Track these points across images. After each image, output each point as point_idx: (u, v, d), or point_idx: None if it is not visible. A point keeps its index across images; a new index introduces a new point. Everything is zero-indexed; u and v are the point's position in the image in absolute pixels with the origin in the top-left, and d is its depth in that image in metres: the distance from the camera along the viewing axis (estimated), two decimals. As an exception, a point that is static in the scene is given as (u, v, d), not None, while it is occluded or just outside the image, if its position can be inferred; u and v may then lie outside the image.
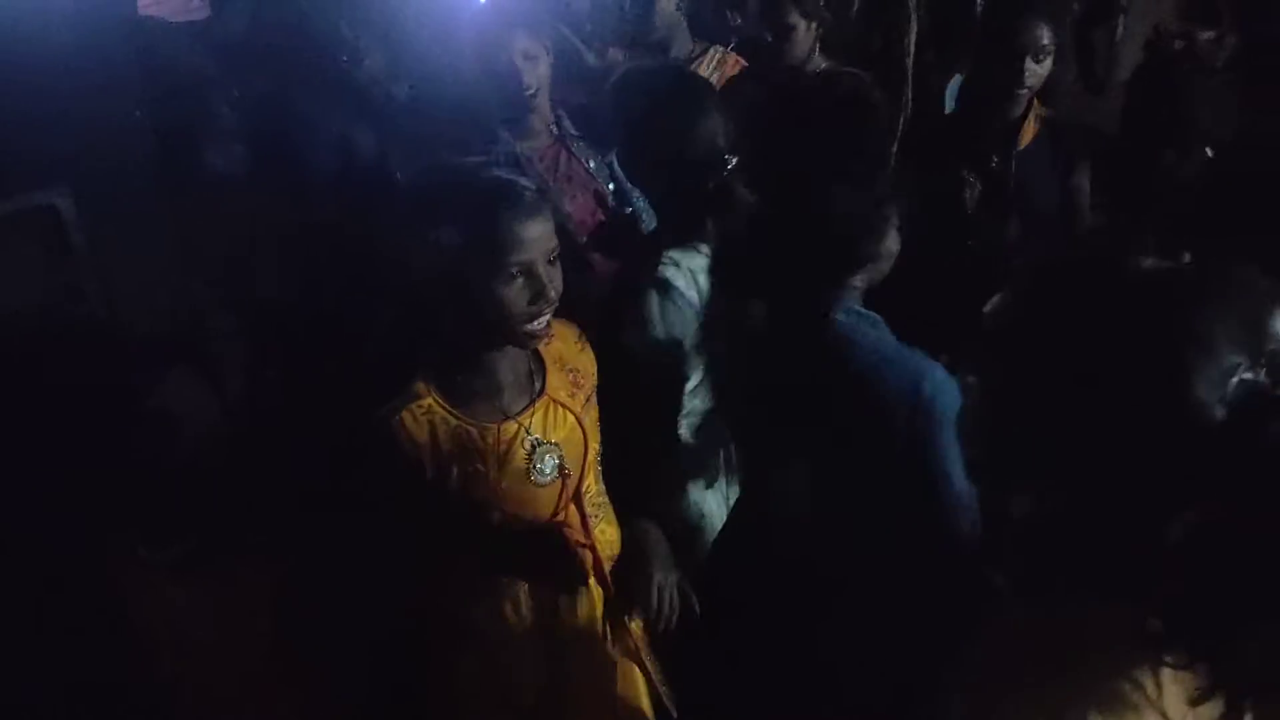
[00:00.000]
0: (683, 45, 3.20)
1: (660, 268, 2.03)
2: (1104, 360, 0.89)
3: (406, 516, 1.76)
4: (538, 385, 1.83)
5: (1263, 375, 0.85)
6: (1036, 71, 2.49)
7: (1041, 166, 2.62)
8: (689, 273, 2.04)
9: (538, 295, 1.65)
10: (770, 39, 2.97)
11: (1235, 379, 0.85)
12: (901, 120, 2.72)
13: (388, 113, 2.88)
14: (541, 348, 1.83)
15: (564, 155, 2.69)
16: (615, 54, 3.45)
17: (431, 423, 1.73)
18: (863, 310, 1.72)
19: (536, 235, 1.64)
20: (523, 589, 1.83)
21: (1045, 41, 2.45)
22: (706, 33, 3.28)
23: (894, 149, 2.25)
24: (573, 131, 2.70)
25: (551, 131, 2.68)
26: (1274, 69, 2.98)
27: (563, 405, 1.84)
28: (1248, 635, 0.84)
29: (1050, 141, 2.64)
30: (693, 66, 3.11)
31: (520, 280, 1.64)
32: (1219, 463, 0.84)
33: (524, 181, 1.70)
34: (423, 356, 1.77)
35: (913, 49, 1.71)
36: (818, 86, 2.42)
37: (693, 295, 2.04)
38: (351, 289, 2.26)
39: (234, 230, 2.43)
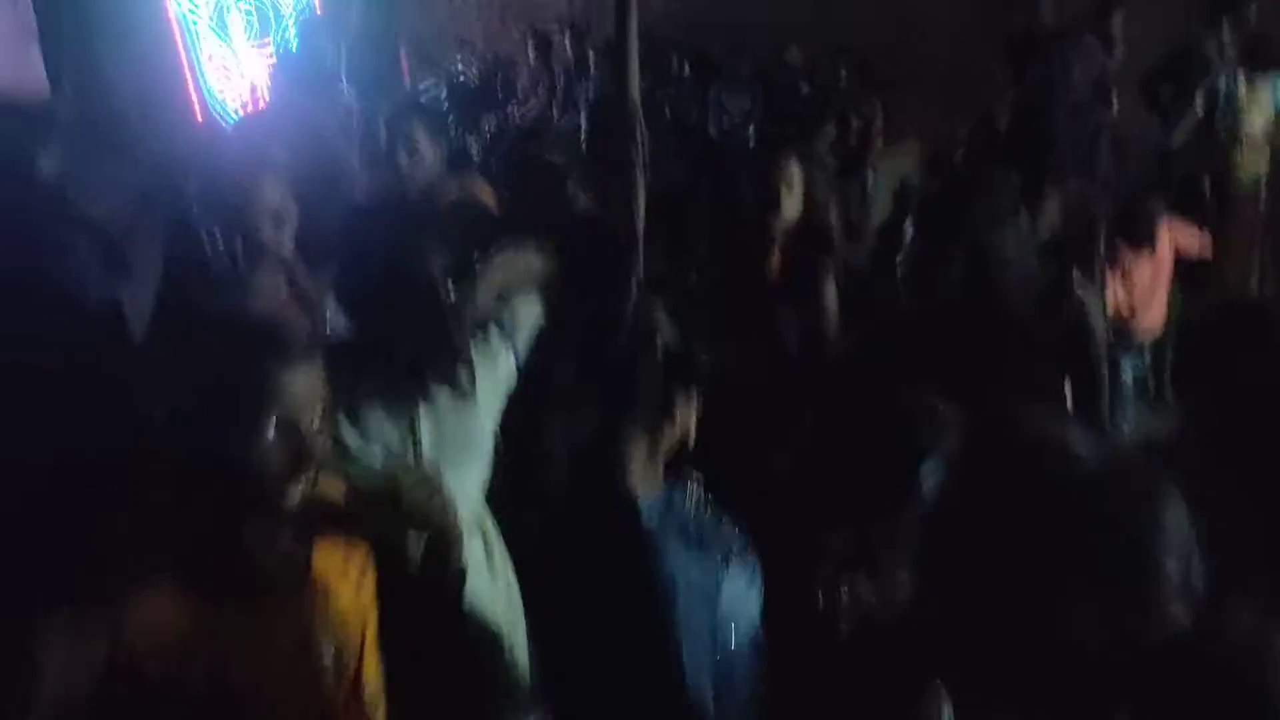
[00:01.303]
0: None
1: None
2: None
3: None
4: (302, 568, 1.53)
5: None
6: (791, 203, 2.67)
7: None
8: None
9: (299, 456, 1.40)
10: (403, 161, 3.11)
11: None
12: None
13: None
14: (309, 521, 1.54)
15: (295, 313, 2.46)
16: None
17: (171, 617, 1.40)
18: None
19: (303, 388, 1.41)
20: None
21: (794, 175, 2.65)
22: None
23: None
24: (308, 287, 2.49)
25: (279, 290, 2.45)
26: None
27: (332, 592, 1.55)
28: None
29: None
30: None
31: (279, 437, 1.38)
32: None
33: (295, 326, 1.52)
34: (163, 534, 1.43)
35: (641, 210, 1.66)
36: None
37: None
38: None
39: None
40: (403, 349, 1.85)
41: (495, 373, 1.99)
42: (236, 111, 7.71)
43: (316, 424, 1.43)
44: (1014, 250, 1.91)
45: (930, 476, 0.93)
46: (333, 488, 1.61)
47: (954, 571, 0.87)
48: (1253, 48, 4.42)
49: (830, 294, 2.61)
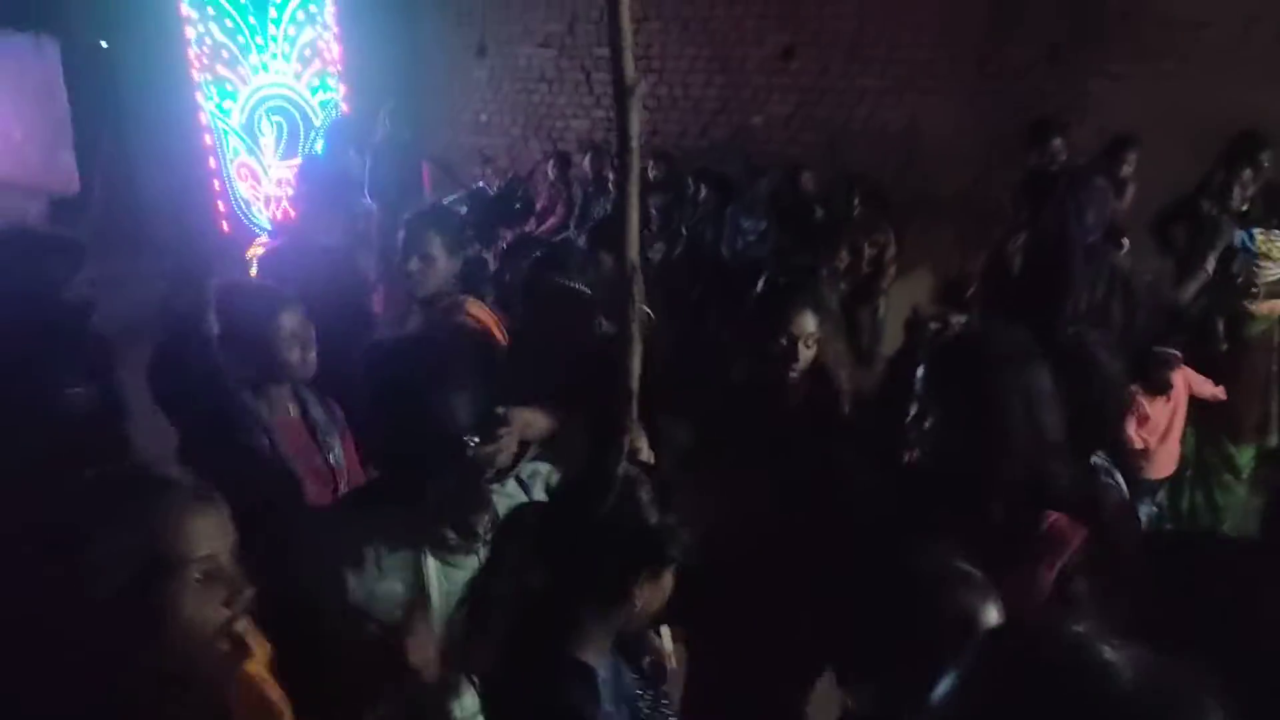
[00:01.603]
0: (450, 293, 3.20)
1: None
2: None
3: None
4: None
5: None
6: (806, 354, 2.69)
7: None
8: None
9: (232, 595, 1.34)
10: (414, 269, 3.08)
11: None
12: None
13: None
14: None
15: (301, 437, 2.44)
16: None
17: None
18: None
19: (214, 526, 1.35)
20: None
21: (812, 329, 2.67)
22: (467, 287, 3.34)
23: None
24: (318, 417, 2.49)
25: (289, 412, 2.45)
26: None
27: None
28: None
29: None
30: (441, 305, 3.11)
31: (205, 583, 1.32)
32: None
33: (182, 479, 1.40)
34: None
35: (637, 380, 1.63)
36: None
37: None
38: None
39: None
40: (425, 496, 1.82)
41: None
42: (262, 219, 7.87)
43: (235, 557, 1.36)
44: (1026, 408, 1.86)
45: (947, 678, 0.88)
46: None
47: None
48: (1272, 199, 4.47)
49: (841, 436, 2.59)
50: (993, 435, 1.84)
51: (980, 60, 6.82)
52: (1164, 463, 4.07)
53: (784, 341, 2.66)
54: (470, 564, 1.87)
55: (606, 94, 8.78)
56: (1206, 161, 4.53)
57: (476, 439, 1.81)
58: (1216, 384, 4.11)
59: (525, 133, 9.32)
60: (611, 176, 7.61)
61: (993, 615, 1.46)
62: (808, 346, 2.68)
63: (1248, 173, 4.38)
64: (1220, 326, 4.24)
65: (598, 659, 1.58)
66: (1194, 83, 5.89)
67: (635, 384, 1.60)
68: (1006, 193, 5.85)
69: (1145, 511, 4.14)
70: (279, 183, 7.97)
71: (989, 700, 0.83)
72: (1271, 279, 4.25)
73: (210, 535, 1.34)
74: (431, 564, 1.84)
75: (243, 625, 1.37)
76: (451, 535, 1.83)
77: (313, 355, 2.44)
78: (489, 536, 1.82)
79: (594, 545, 1.52)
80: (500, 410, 1.95)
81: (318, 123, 8.10)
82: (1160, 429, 3.92)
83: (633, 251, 1.59)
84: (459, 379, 1.85)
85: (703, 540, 1.61)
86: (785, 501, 2.44)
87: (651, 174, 7.69)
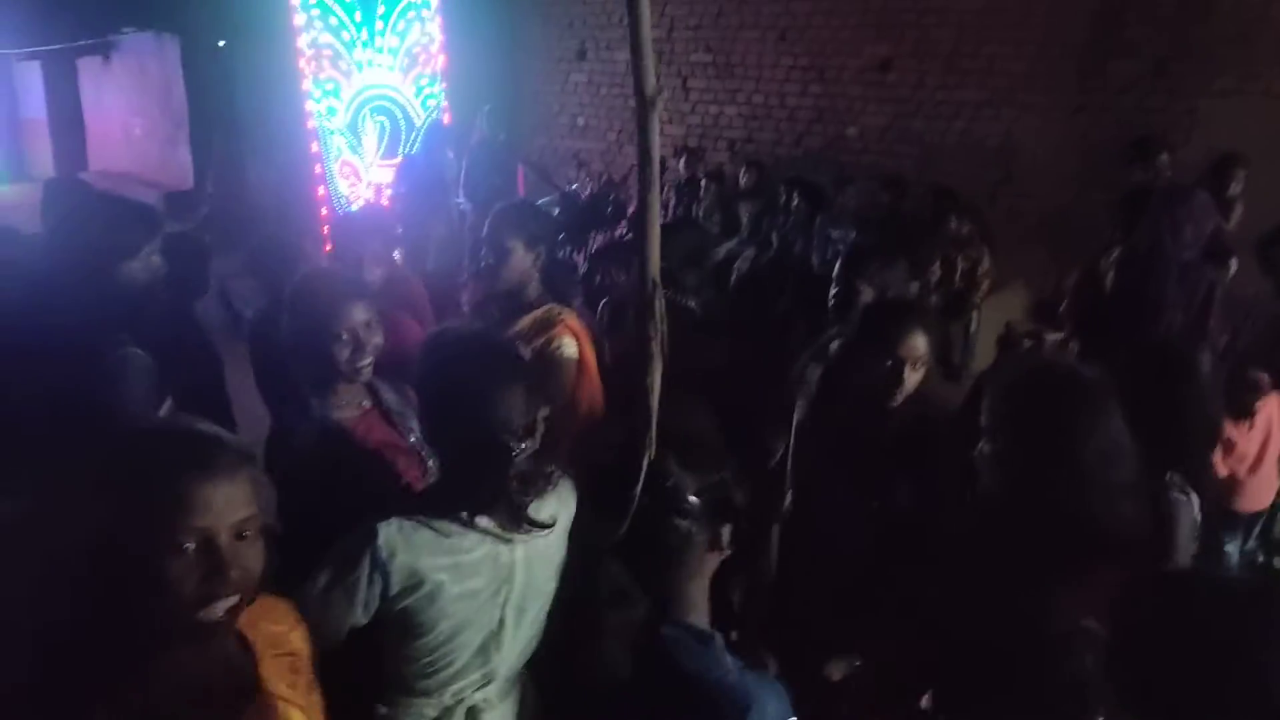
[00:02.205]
0: (533, 292, 3.21)
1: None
2: None
3: None
4: (249, 683, 1.47)
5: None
6: (913, 378, 2.55)
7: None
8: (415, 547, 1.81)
9: (213, 573, 1.32)
10: (491, 261, 3.05)
11: None
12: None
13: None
14: (251, 633, 1.49)
15: (378, 426, 2.46)
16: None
17: None
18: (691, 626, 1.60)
19: (221, 500, 1.33)
20: None
21: (922, 351, 2.52)
22: (555, 289, 3.32)
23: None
24: (391, 403, 2.54)
25: (362, 404, 2.51)
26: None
27: (285, 701, 1.51)
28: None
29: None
30: (533, 315, 3.11)
31: (192, 554, 1.31)
32: None
33: (227, 439, 1.42)
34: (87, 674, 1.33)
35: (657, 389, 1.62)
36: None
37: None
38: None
39: None
40: (478, 494, 1.84)
41: (568, 513, 1.99)
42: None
43: (235, 542, 1.34)
44: (1100, 453, 1.83)
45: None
46: (273, 603, 1.58)
47: None
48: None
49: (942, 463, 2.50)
50: (1064, 473, 1.83)
51: (1081, 75, 6.67)
52: (1257, 494, 3.93)
53: (890, 364, 2.52)
54: (546, 554, 1.91)
55: (702, 100, 8.84)
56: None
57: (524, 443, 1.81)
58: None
59: (621, 139, 9.42)
60: (703, 181, 7.66)
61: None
62: (915, 369, 2.53)
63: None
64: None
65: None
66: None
67: (655, 403, 1.60)
68: (1104, 212, 5.75)
69: (1235, 546, 4.00)
70: (374, 187, 8.18)
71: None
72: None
73: (215, 509, 1.33)
74: (519, 553, 1.86)
75: (226, 607, 1.35)
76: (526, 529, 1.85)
77: (368, 354, 2.39)
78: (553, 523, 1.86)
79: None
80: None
81: (419, 123, 8.32)
82: (1250, 457, 3.78)
83: (653, 267, 1.58)
84: (512, 376, 1.86)
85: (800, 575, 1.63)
86: (884, 539, 2.40)
87: (742, 181, 7.73)
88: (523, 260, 3.04)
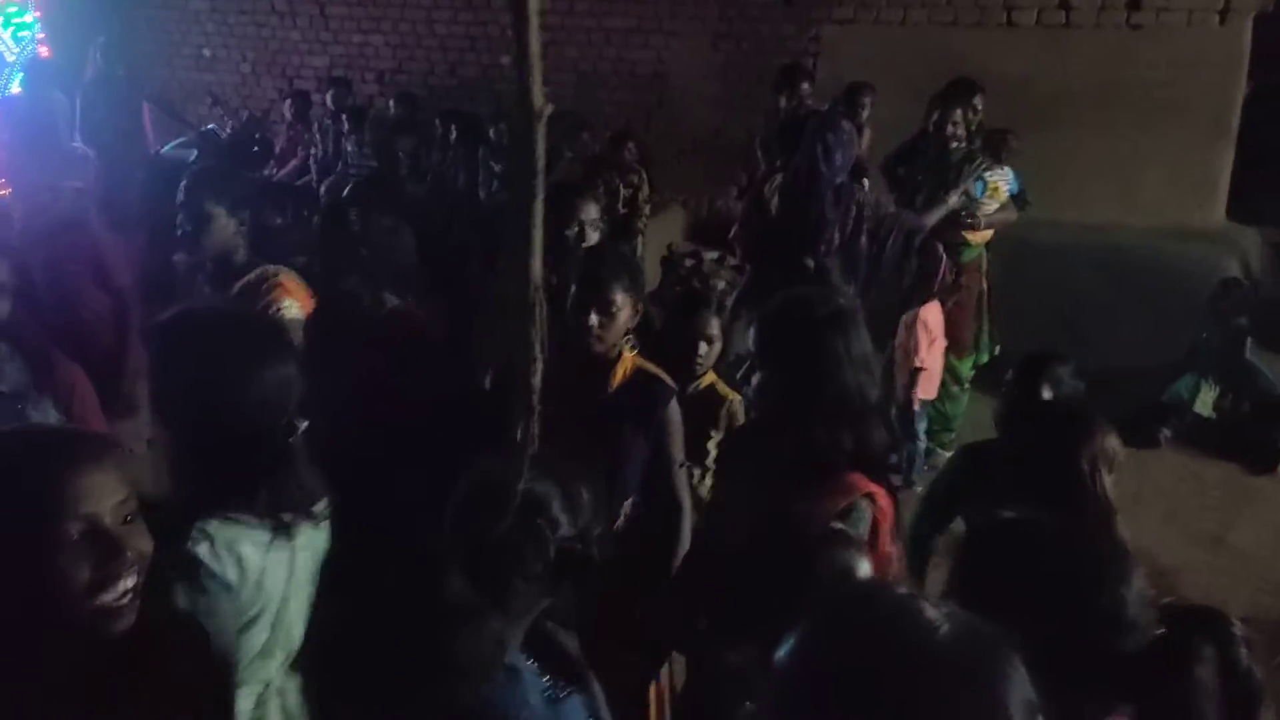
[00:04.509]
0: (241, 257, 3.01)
1: (190, 544, 1.66)
2: None
3: None
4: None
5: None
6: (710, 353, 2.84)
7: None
8: (226, 547, 1.68)
9: (108, 556, 1.28)
10: (189, 228, 2.96)
11: None
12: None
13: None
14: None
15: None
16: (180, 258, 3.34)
17: None
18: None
19: (97, 485, 1.30)
20: None
21: (713, 331, 2.84)
22: (264, 250, 3.11)
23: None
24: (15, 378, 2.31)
25: None
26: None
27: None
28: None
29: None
30: (244, 281, 2.90)
31: (80, 541, 1.27)
32: None
33: (87, 432, 1.44)
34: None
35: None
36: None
37: (230, 575, 1.68)
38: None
39: None
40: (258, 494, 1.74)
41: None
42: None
43: (122, 526, 1.31)
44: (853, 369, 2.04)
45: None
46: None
47: None
48: (992, 140, 5.02)
49: None
50: (822, 395, 1.99)
51: (720, 3, 7.08)
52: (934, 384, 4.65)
53: (593, 316, 2.43)
54: (316, 544, 1.82)
55: (344, 29, 8.36)
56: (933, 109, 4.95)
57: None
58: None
59: (256, 70, 8.74)
60: (346, 118, 7.19)
61: (865, 569, 1.60)
62: (709, 345, 2.68)
63: (958, 113, 4.83)
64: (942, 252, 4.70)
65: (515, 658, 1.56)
66: (915, 30, 6.43)
67: (536, 400, 1.54)
68: (750, 135, 6.18)
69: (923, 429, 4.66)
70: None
71: (823, 656, 0.90)
72: (989, 212, 4.76)
73: (94, 494, 1.30)
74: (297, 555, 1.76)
75: (123, 590, 1.31)
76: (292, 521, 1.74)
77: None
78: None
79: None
80: None
81: (11, 59, 7.27)
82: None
83: (536, 270, 1.51)
84: (284, 355, 1.76)
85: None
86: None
87: (392, 114, 7.39)
88: (225, 227, 2.92)
